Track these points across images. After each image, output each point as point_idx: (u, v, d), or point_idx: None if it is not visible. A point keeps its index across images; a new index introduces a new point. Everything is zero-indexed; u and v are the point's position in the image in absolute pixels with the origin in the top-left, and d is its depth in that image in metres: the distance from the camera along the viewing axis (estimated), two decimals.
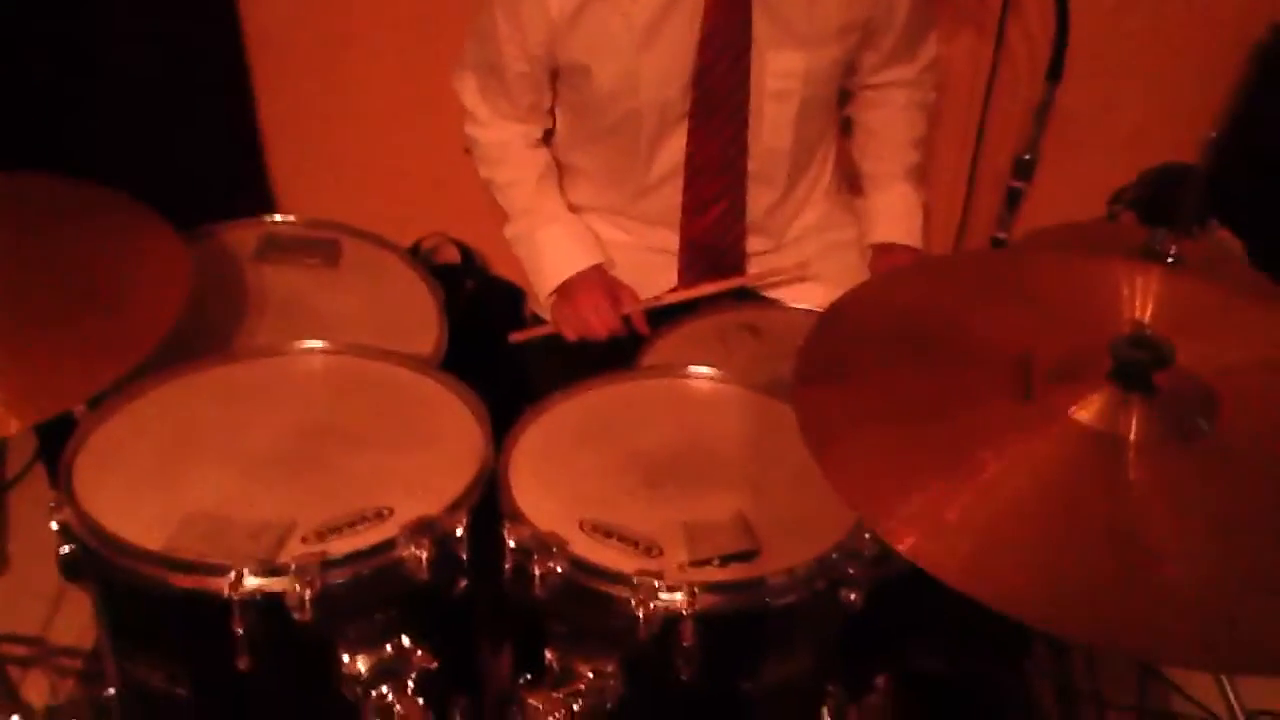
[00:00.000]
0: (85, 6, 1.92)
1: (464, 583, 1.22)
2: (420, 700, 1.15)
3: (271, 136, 2.13)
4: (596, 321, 1.65)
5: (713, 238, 1.70)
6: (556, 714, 1.14)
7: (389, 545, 1.14)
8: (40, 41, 1.94)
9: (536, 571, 1.14)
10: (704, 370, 1.43)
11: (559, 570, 1.13)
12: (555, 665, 1.18)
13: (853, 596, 1.17)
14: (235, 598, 1.08)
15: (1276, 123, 1.88)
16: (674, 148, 1.64)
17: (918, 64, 1.75)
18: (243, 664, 1.11)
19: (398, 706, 1.14)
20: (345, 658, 1.14)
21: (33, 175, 1.36)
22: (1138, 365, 0.98)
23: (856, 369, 1.10)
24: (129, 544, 1.12)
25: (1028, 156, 1.91)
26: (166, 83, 1.99)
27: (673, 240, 1.72)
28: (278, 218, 1.76)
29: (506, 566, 1.20)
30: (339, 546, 1.13)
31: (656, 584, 1.10)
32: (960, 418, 1.02)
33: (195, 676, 1.16)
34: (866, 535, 1.17)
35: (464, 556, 1.20)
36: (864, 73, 1.73)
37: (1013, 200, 1.95)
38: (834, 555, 1.16)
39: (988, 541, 0.93)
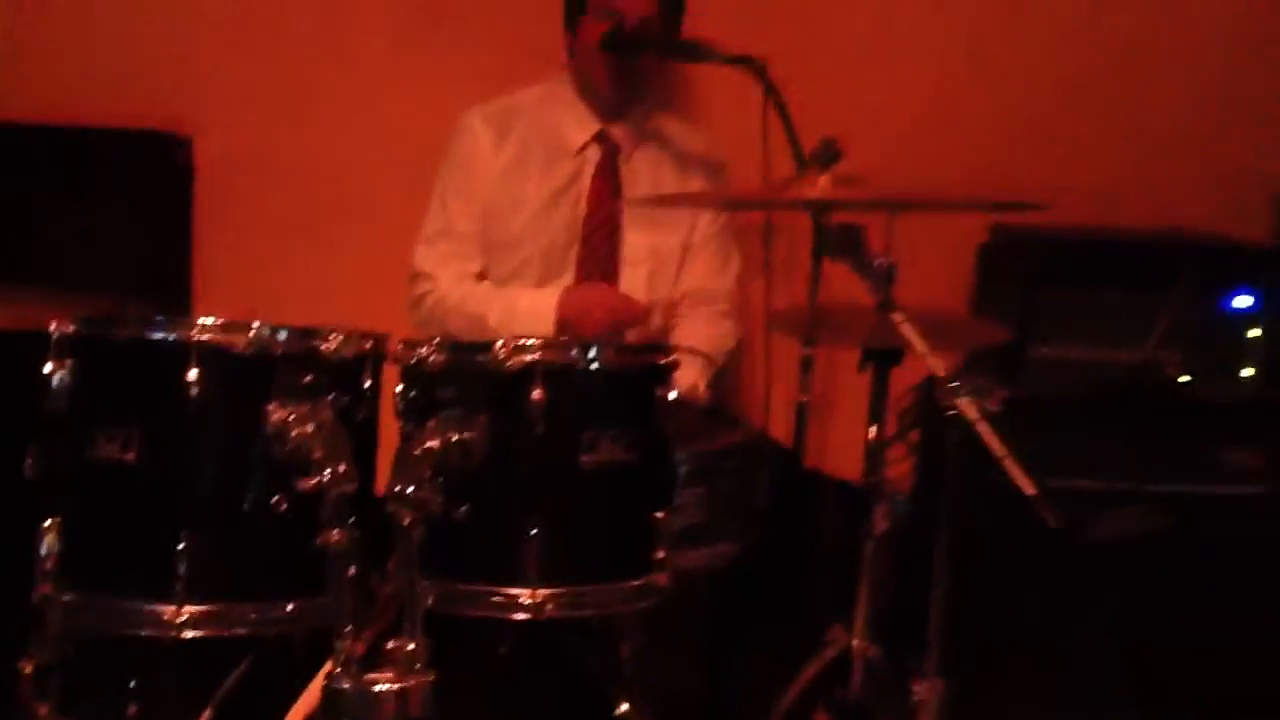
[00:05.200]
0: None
1: (364, 414, 1.57)
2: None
3: None
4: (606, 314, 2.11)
5: None
6: (433, 444, 1.44)
7: (319, 332, 1.51)
8: None
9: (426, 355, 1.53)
10: None
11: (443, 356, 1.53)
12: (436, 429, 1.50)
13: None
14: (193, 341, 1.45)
15: (1001, 311, 2.48)
16: None
17: (725, 281, 2.40)
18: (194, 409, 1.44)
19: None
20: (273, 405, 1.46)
21: None
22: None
23: None
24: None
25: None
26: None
27: None
28: None
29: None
30: None
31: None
32: None
33: (147, 432, 1.44)
34: None
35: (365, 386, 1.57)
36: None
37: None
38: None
39: None
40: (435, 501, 1.39)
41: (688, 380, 2.23)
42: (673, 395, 1.62)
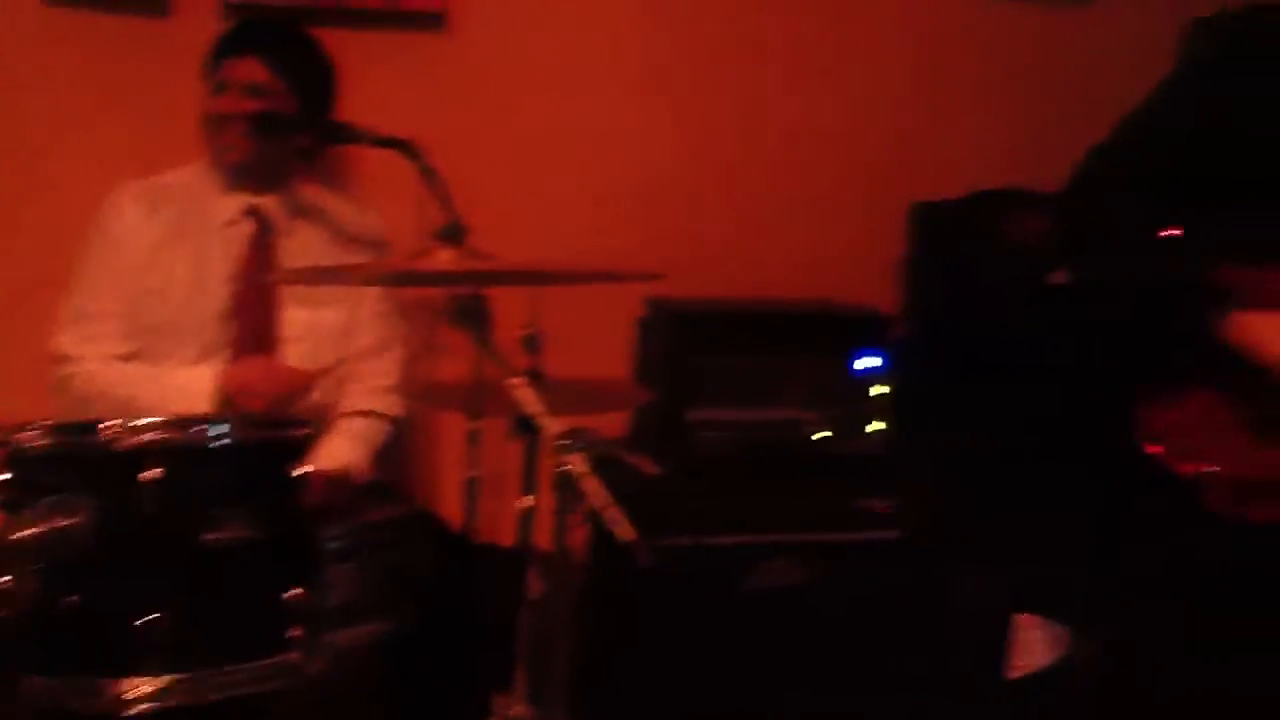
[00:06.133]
0: None
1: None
2: None
3: None
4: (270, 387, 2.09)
5: None
6: (27, 533, 1.37)
7: None
8: None
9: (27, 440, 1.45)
10: None
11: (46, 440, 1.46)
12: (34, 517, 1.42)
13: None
14: None
15: (659, 377, 2.62)
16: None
17: (388, 360, 2.40)
18: None
19: None
20: None
21: None
22: None
23: None
24: None
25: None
26: None
27: None
28: None
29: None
30: None
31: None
32: None
33: None
34: None
35: None
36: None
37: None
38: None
39: None
40: (30, 593, 1.32)
41: (346, 455, 2.22)
42: (308, 470, 1.61)
